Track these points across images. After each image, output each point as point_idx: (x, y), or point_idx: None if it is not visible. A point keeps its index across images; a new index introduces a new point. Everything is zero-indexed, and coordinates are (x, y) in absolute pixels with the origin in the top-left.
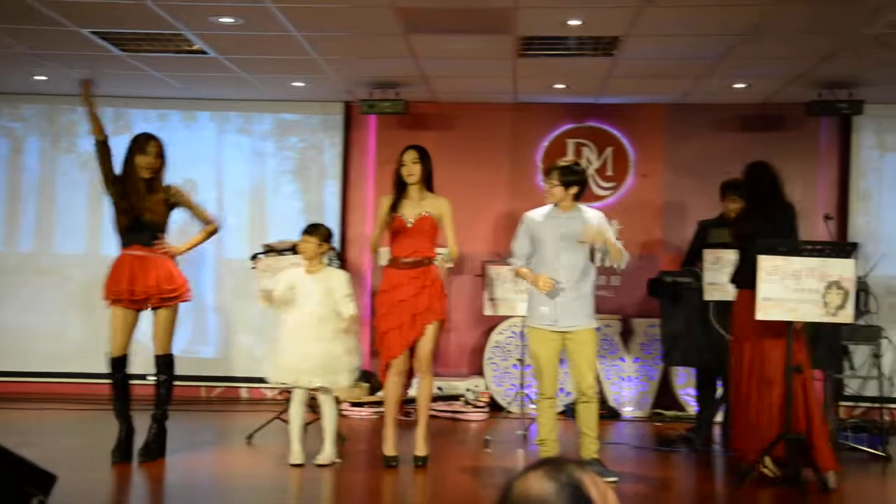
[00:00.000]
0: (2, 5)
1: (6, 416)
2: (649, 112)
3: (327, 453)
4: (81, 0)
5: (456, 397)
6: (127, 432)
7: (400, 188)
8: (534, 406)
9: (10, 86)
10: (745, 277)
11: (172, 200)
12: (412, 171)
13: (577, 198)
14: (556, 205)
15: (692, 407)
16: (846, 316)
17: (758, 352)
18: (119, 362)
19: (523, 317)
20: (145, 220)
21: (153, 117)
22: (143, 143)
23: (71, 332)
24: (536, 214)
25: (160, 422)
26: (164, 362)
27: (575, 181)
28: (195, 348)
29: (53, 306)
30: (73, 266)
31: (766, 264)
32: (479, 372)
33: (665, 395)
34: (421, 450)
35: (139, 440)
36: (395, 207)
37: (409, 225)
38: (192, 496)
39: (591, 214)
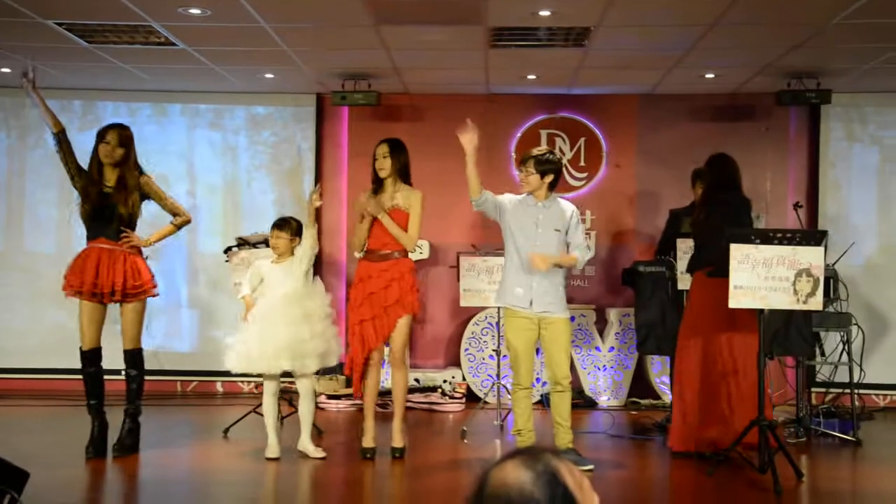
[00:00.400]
0: None
1: None
2: (621, 102)
3: (304, 443)
4: None
5: (433, 388)
6: (100, 428)
7: (378, 182)
8: (511, 397)
9: None
10: (694, 263)
11: (144, 191)
12: (383, 165)
13: (553, 187)
14: (530, 194)
15: (667, 395)
16: (816, 303)
17: (715, 339)
18: (91, 355)
19: (498, 308)
20: (113, 212)
21: (123, 111)
22: (102, 132)
23: (42, 328)
24: (511, 198)
25: (133, 417)
26: (133, 357)
27: (550, 170)
28: (170, 342)
29: (24, 302)
30: (44, 261)
31: (738, 252)
32: (456, 363)
33: (640, 384)
34: (398, 441)
35: (113, 436)
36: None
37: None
38: (168, 492)
39: (566, 206)
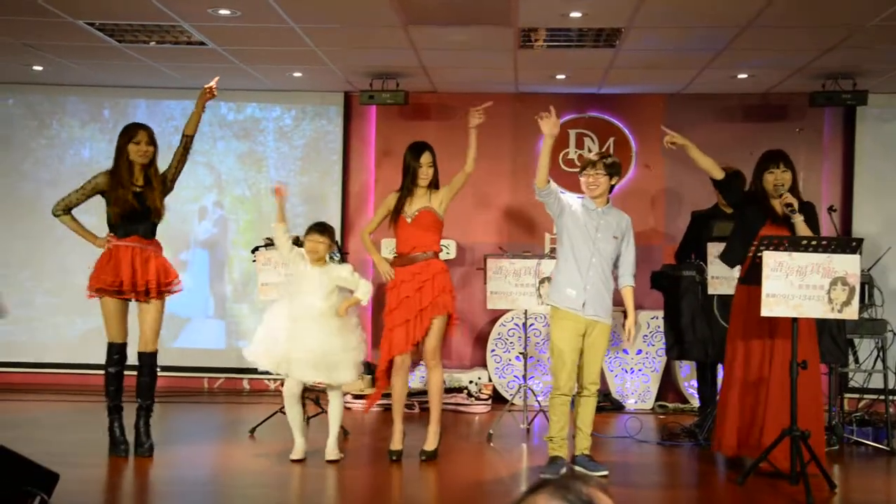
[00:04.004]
0: None
1: (6, 407)
2: (651, 102)
3: (331, 448)
4: None
5: (459, 389)
6: (122, 427)
7: (408, 186)
8: (539, 399)
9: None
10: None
11: (169, 186)
12: (428, 174)
13: (612, 190)
14: (593, 198)
15: (696, 400)
16: (851, 313)
17: (751, 347)
18: (120, 350)
19: (525, 310)
20: (147, 211)
21: (152, 107)
22: (132, 133)
23: (70, 324)
24: (576, 202)
25: (148, 412)
26: (151, 360)
27: (616, 172)
28: (197, 342)
29: (54, 298)
30: (74, 258)
31: (770, 260)
32: (482, 364)
33: (668, 388)
34: (431, 444)
35: (131, 433)
36: (399, 205)
37: (409, 221)
38: (194, 492)
39: (622, 214)
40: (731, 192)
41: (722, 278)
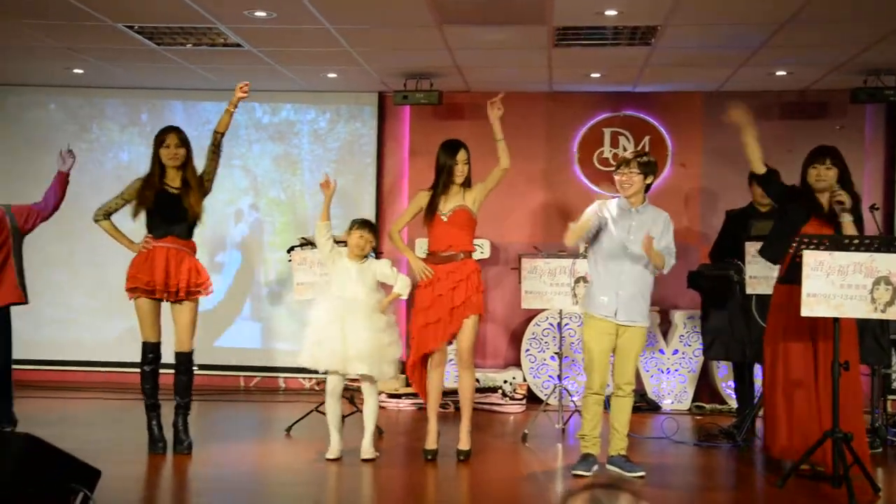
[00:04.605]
0: (38, 2)
1: (46, 404)
2: (687, 100)
3: (366, 447)
4: None
5: (493, 389)
6: (160, 425)
7: (445, 185)
8: (574, 399)
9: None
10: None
11: (207, 187)
12: (463, 171)
13: (648, 189)
14: (627, 197)
15: (734, 400)
16: (895, 312)
17: (792, 347)
18: (155, 348)
19: (560, 309)
20: (183, 212)
21: (188, 110)
22: (162, 136)
23: (107, 323)
24: (609, 206)
25: (186, 410)
26: (187, 360)
27: (651, 171)
28: (234, 342)
29: (92, 297)
30: (111, 259)
31: (811, 259)
32: (517, 363)
33: (705, 388)
34: (464, 444)
35: (169, 431)
36: (433, 203)
37: (444, 219)
38: (231, 489)
39: (659, 212)
40: (773, 186)
41: (760, 278)
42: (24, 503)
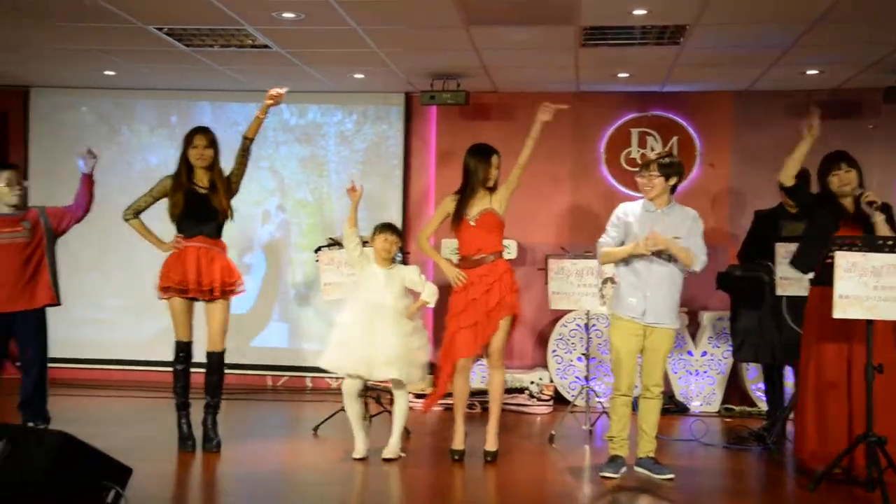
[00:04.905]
0: (71, 6)
1: (79, 403)
2: (716, 99)
3: (392, 447)
4: None
5: (520, 390)
6: (189, 424)
7: (472, 189)
8: (600, 400)
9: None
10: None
11: (234, 188)
12: (496, 176)
13: (674, 190)
14: (650, 199)
15: (763, 403)
16: None
17: (824, 351)
18: (186, 348)
19: (587, 310)
20: (212, 212)
21: (216, 112)
22: (190, 137)
23: (138, 324)
24: (630, 209)
25: (216, 409)
26: (220, 360)
27: (674, 172)
28: (262, 342)
29: (124, 297)
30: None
31: (843, 261)
32: (543, 364)
33: (735, 391)
34: (491, 444)
35: (198, 429)
36: (461, 208)
37: (472, 223)
38: (259, 488)
39: (686, 211)
40: (800, 196)
41: (791, 279)
42: (58, 500)
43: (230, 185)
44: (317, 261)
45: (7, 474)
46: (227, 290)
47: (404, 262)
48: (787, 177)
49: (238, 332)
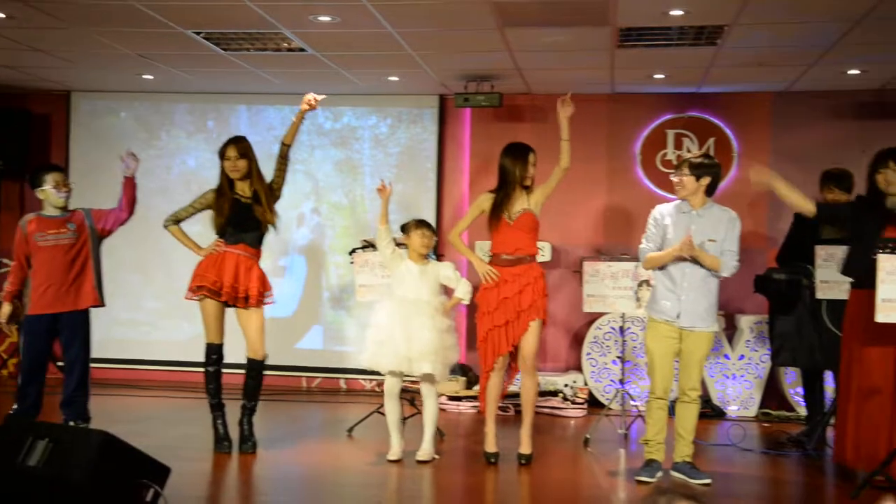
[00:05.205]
0: (111, 11)
1: (120, 402)
2: (754, 100)
3: (426, 449)
4: (187, 4)
5: (554, 393)
6: (225, 424)
7: (508, 187)
8: (635, 403)
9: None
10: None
11: (276, 194)
12: (531, 173)
13: (710, 192)
14: (685, 200)
15: (802, 407)
16: None
17: (867, 355)
18: (217, 349)
19: (623, 313)
20: (254, 221)
21: (253, 117)
22: (222, 150)
23: (176, 327)
24: (666, 210)
25: (252, 412)
26: (261, 367)
27: (706, 173)
28: (298, 344)
29: (161, 300)
30: (180, 262)
31: (886, 264)
32: (577, 367)
33: (773, 395)
34: (525, 448)
35: (234, 429)
36: (498, 206)
37: (510, 222)
38: (295, 488)
39: (722, 213)
40: (832, 218)
41: (831, 282)
42: (100, 498)
43: (272, 193)
44: (351, 262)
45: (52, 472)
46: (260, 298)
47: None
48: (806, 210)
49: (282, 336)
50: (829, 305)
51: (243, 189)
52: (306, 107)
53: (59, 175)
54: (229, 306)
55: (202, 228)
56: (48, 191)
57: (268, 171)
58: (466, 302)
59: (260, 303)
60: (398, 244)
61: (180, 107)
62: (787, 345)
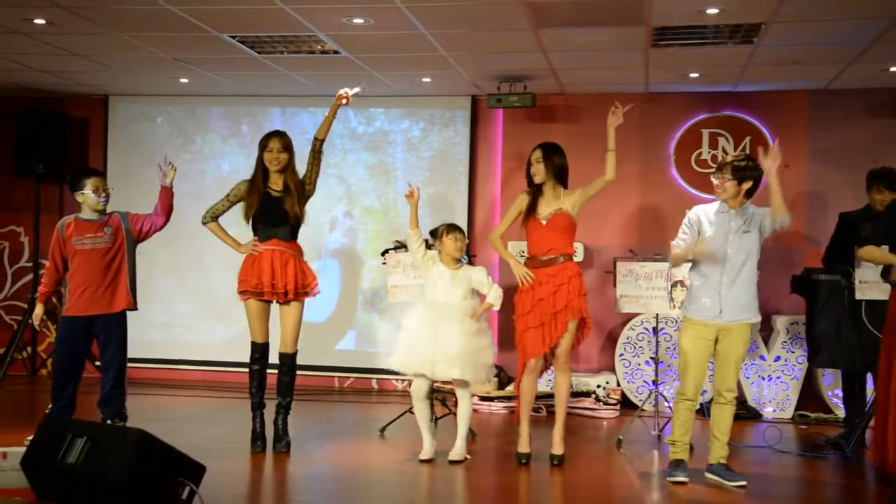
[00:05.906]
0: (148, 15)
1: (156, 401)
2: (792, 99)
3: (458, 449)
4: (222, 8)
5: (587, 394)
6: (262, 423)
7: (537, 187)
8: (668, 405)
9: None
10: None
11: (309, 190)
12: (537, 170)
13: (750, 195)
14: (725, 202)
15: (840, 410)
16: None
17: None
18: (262, 348)
19: (657, 314)
20: (285, 215)
21: (287, 120)
22: (265, 141)
23: (209, 329)
24: (702, 211)
25: (287, 410)
26: (292, 360)
27: (749, 176)
28: (331, 345)
29: (199, 300)
30: (216, 264)
31: None
32: (610, 368)
33: (810, 397)
34: (558, 448)
35: (269, 429)
36: (531, 207)
37: (543, 223)
38: (328, 487)
39: (756, 211)
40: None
41: (871, 283)
42: (137, 495)
43: (304, 188)
44: (384, 263)
45: (90, 469)
46: (301, 292)
47: (471, 264)
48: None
49: (317, 338)
50: (869, 306)
51: (276, 182)
52: (343, 101)
53: (98, 179)
54: (279, 302)
55: (239, 231)
56: (87, 195)
57: (299, 171)
58: (496, 308)
59: (299, 296)
60: (429, 246)
61: (215, 111)
62: (825, 346)
